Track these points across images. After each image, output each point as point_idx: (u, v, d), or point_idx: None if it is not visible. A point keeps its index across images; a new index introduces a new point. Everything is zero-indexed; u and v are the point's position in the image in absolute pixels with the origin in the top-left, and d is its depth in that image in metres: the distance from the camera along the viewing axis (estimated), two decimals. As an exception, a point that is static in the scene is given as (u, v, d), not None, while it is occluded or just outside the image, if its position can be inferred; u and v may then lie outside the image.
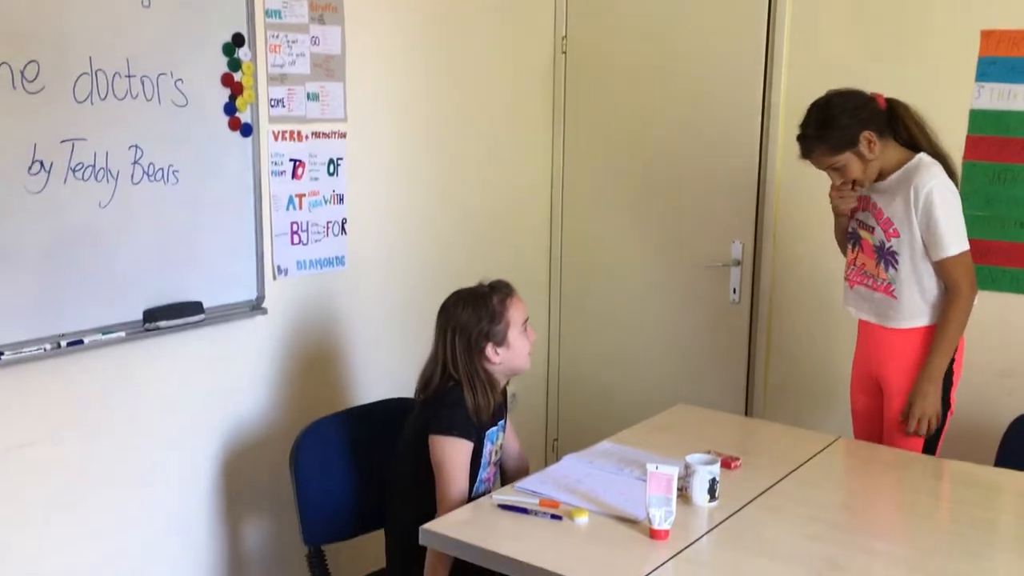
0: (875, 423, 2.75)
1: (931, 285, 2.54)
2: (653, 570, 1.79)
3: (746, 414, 3.62)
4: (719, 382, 3.67)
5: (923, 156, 2.53)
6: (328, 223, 3.05)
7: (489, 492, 2.32)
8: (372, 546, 2.59)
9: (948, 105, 3.06)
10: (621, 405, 3.91)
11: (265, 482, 2.94)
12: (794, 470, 2.33)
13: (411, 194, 3.35)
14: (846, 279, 2.77)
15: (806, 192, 3.39)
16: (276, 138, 2.86)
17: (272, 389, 2.95)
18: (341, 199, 3.08)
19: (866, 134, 2.48)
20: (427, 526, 1.99)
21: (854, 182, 2.55)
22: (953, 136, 3.06)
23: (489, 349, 2.29)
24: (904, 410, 2.55)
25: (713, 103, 3.56)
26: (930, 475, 2.38)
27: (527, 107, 3.86)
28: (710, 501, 2.10)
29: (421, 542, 1.99)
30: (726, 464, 2.31)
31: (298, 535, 2.45)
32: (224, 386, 2.80)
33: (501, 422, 2.41)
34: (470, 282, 2.42)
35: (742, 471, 2.29)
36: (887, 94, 2.59)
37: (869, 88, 2.59)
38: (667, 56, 3.65)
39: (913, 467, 2.43)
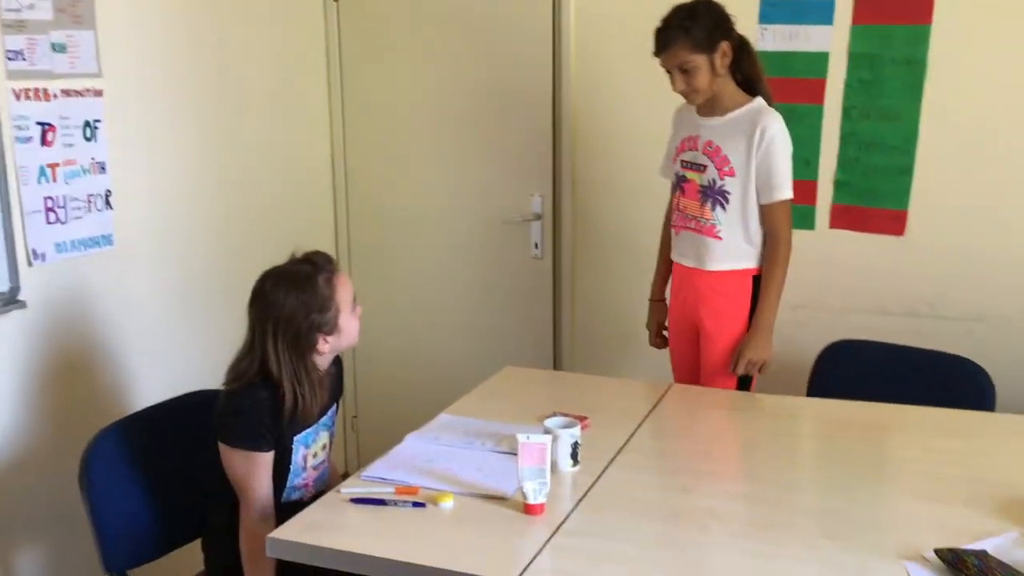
0: (695, 366, 2.76)
1: (755, 229, 2.56)
2: (539, 550, 1.65)
3: (555, 368, 3.57)
4: (527, 339, 3.59)
5: (762, 100, 2.53)
6: (89, 197, 2.61)
7: (304, 500, 2.08)
8: (185, 560, 2.26)
9: (735, 48, 3.12)
10: (425, 372, 3.74)
11: (39, 507, 2.50)
12: (641, 423, 2.27)
13: (182, 159, 2.96)
14: (672, 226, 2.74)
15: (602, 142, 3.36)
16: (18, 97, 2.39)
17: (36, 396, 2.51)
18: (103, 168, 2.65)
19: (724, 45, 2.46)
20: (274, 535, 1.72)
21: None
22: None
23: (320, 342, 2.01)
24: (733, 358, 2.56)
25: (504, 53, 3.42)
26: (765, 413, 2.41)
27: (301, 59, 3.54)
28: (573, 466, 1.99)
29: (269, 554, 1.72)
30: (575, 424, 2.21)
31: (90, 563, 2.08)
32: (-23, 398, 2.34)
33: (325, 418, 2.14)
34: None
35: (592, 430, 2.20)
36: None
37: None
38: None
39: (746, 406, 2.45)
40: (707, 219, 2.58)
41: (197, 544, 2.20)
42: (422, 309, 3.73)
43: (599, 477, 1.95)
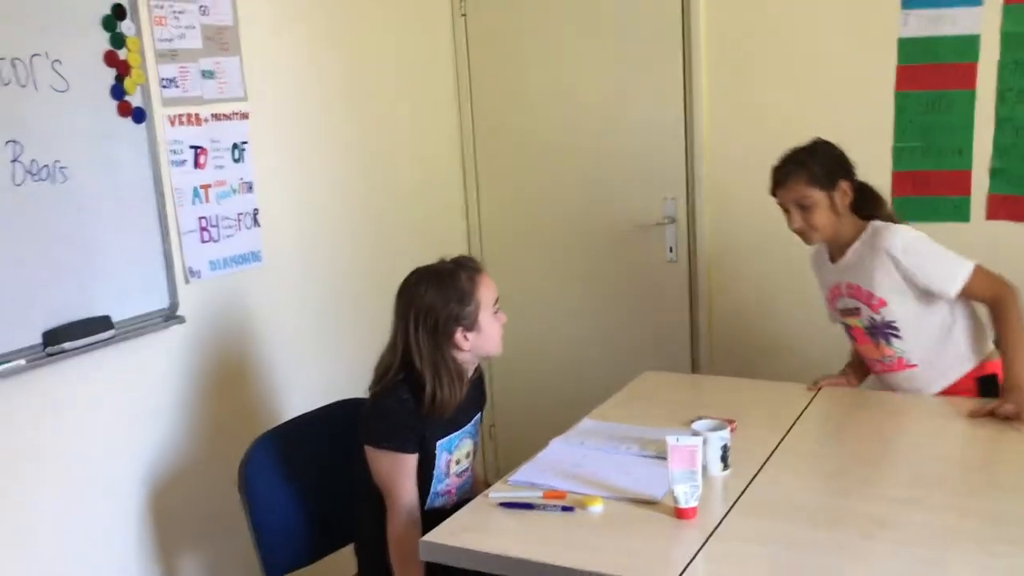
0: None
1: (945, 329, 2.36)
2: (693, 556, 1.61)
3: (693, 373, 3.50)
4: (663, 345, 3.53)
5: (875, 221, 2.38)
6: (239, 215, 2.73)
7: (447, 507, 2.09)
8: (337, 565, 2.32)
9: (875, 35, 3.00)
10: (561, 379, 3.73)
11: (200, 513, 2.61)
12: (792, 426, 2.20)
13: (323, 176, 3.05)
14: (872, 372, 2.59)
15: (737, 141, 3.28)
16: (172, 123, 2.52)
17: (196, 406, 2.62)
18: (250, 187, 2.76)
19: (844, 184, 2.35)
20: (427, 538, 1.74)
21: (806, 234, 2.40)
22: (883, 67, 3.01)
23: (459, 335, 2.04)
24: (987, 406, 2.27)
25: (632, 51, 3.39)
26: (925, 414, 2.28)
27: (431, 72, 3.60)
28: (724, 470, 1.93)
29: (422, 557, 1.74)
30: (723, 427, 2.15)
31: (249, 567, 2.15)
32: (143, 408, 2.47)
33: (468, 426, 2.16)
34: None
35: (740, 433, 2.13)
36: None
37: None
38: (582, 8, 3.46)
39: (904, 409, 2.33)
40: (890, 356, 2.42)
41: (349, 549, 2.25)
42: (555, 316, 3.72)
43: (751, 481, 1.89)
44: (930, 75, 2.95)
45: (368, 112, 3.23)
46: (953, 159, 2.97)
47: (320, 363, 3.03)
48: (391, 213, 3.35)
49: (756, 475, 1.92)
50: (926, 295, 2.32)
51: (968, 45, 2.89)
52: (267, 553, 2.13)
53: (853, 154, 3.07)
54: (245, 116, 2.73)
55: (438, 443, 2.07)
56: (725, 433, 1.92)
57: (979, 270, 2.28)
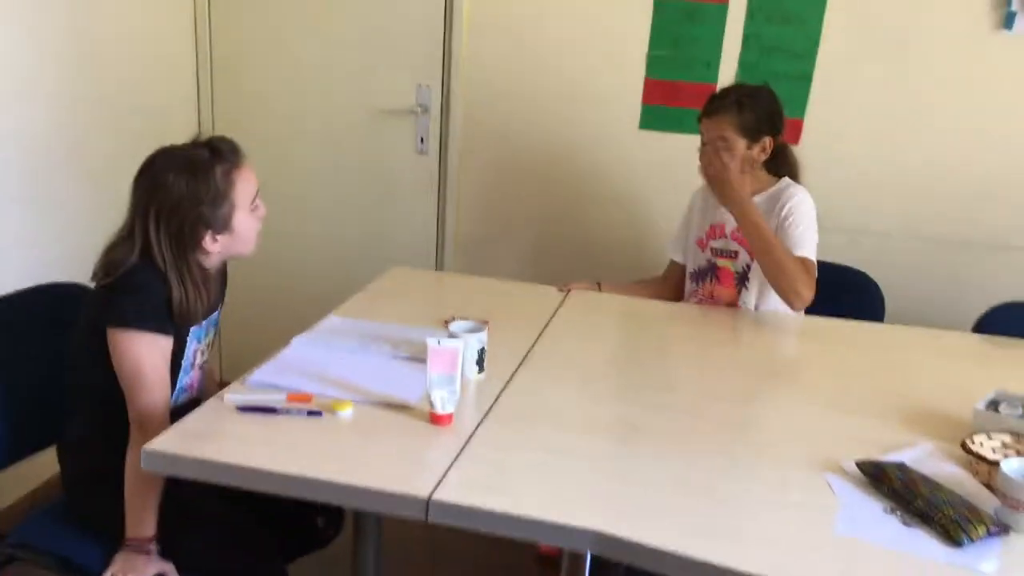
0: None
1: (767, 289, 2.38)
2: (451, 463, 1.52)
3: (436, 269, 3.42)
4: (408, 239, 3.40)
5: (788, 180, 2.41)
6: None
7: (196, 401, 1.88)
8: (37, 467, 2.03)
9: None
10: (300, 275, 3.52)
11: None
12: (544, 328, 2.17)
13: (25, 18, 2.57)
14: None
15: (495, 31, 3.16)
16: None
17: None
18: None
19: (768, 139, 2.33)
20: (150, 446, 1.52)
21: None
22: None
23: (207, 239, 1.79)
24: None
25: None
26: (668, 319, 2.35)
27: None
28: (479, 373, 1.86)
29: (145, 467, 1.53)
30: (476, 328, 2.08)
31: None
32: None
33: (214, 314, 1.94)
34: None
35: (492, 335, 2.07)
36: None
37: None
38: None
39: (650, 313, 2.39)
40: (739, 303, 2.45)
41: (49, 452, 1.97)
42: (295, 206, 3.48)
43: (506, 385, 1.84)
44: (687, -15, 2.97)
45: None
46: (702, 71, 3.03)
47: (21, 236, 2.61)
48: (109, 73, 2.92)
49: (511, 379, 1.87)
50: None
51: (725, -42, 2.93)
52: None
53: (610, 57, 3.08)
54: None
55: (192, 328, 1.84)
56: (483, 335, 1.85)
57: (810, 265, 2.29)
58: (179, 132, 3.25)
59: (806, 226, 2.33)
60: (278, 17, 3.30)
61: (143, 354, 1.73)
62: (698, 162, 2.38)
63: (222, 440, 1.55)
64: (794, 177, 2.44)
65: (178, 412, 1.75)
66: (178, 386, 1.87)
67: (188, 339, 1.84)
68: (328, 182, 3.42)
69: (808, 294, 2.25)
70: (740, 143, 2.33)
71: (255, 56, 3.35)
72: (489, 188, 3.31)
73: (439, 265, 3.41)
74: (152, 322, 1.74)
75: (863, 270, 2.68)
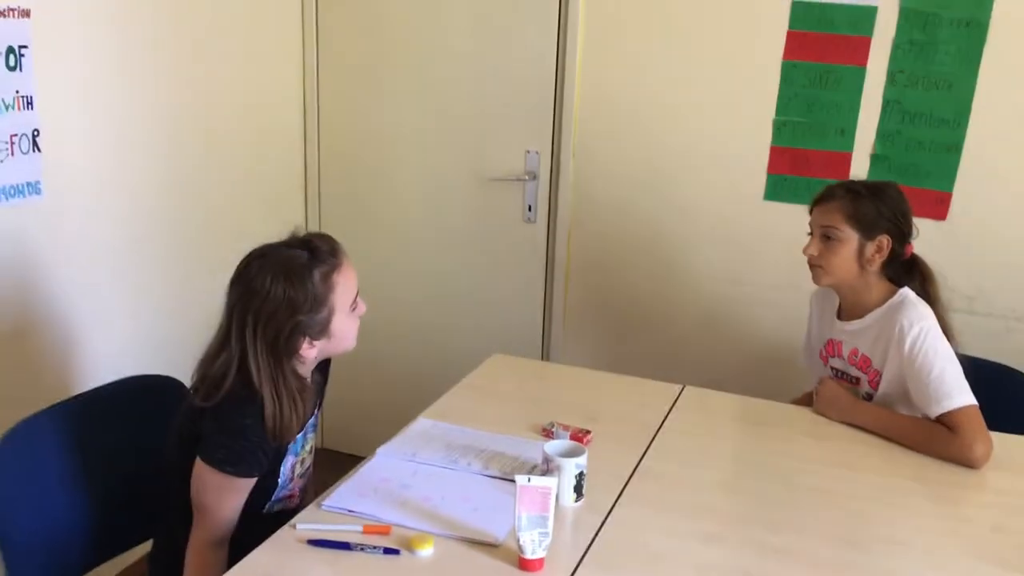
0: None
1: None
2: (538, 625, 1.33)
3: (543, 347, 3.25)
4: (514, 313, 3.24)
5: (908, 292, 2.05)
6: (13, 137, 2.21)
7: (288, 510, 1.75)
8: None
9: (768, -4, 2.75)
10: (399, 350, 3.39)
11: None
12: (653, 439, 1.96)
13: (127, 94, 2.55)
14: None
15: (608, 97, 2.98)
16: (-79, 16, 1.98)
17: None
18: (30, 103, 2.25)
19: (887, 238, 2.03)
20: (209, 591, 1.39)
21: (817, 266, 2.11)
22: (773, 31, 2.76)
23: (304, 346, 1.66)
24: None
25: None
26: (800, 431, 2.06)
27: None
28: (576, 500, 1.67)
29: (202, 614, 1.40)
30: (577, 439, 1.89)
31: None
32: None
33: (311, 422, 1.81)
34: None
35: (595, 447, 1.88)
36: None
37: None
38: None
39: (780, 420, 2.12)
40: None
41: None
42: (396, 280, 3.36)
43: (606, 518, 1.64)
44: (821, 45, 2.72)
45: (194, 23, 2.72)
46: (835, 139, 2.78)
47: (114, 326, 2.57)
48: (212, 152, 2.88)
49: (612, 508, 1.67)
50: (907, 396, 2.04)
51: (864, 17, 2.67)
52: (15, 566, 1.72)
53: (731, 122, 2.85)
54: (26, 14, 2.20)
55: (287, 445, 1.72)
56: (582, 460, 1.65)
57: (971, 414, 1.91)
58: (284, 192, 3.22)
59: (943, 363, 1.94)
60: (385, 81, 3.21)
61: (223, 497, 1.64)
62: (803, 254, 2.12)
63: (287, 584, 1.41)
64: (927, 296, 2.08)
65: (274, 519, 1.63)
66: (272, 497, 1.75)
67: (286, 456, 1.73)
68: (436, 247, 3.30)
69: (981, 449, 1.87)
70: (849, 234, 2.04)
71: (361, 121, 3.27)
72: (599, 259, 3.12)
73: (545, 336, 3.23)
74: (243, 466, 1.63)
75: (1020, 362, 2.36)
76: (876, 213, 2.03)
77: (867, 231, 2.03)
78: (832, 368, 2.22)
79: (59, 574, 1.81)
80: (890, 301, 2.06)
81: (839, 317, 2.18)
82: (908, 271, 2.10)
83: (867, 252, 2.04)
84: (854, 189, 2.06)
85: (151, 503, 1.86)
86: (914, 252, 2.11)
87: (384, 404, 3.37)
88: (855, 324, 2.12)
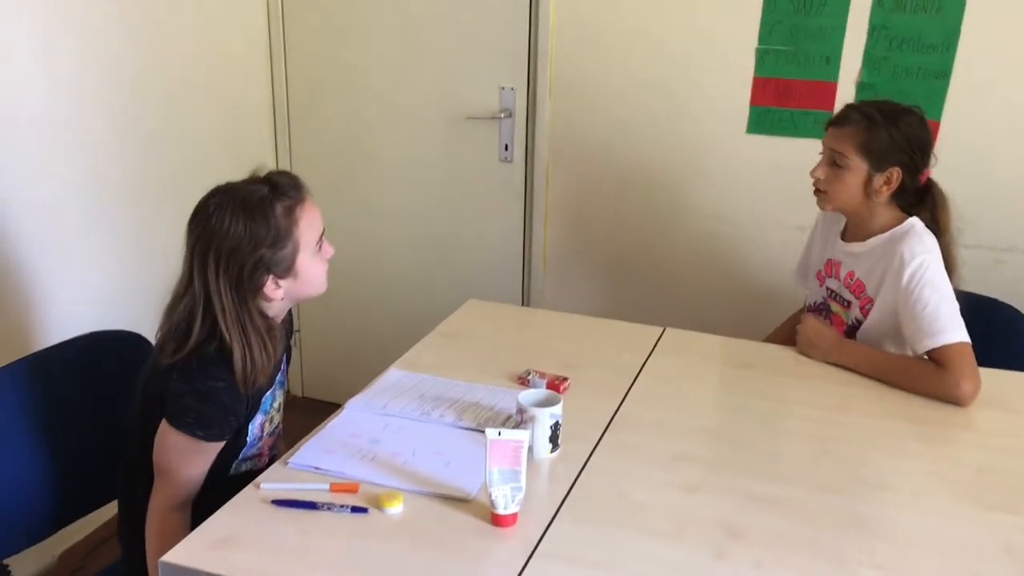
0: None
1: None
2: (513, 580, 1.28)
3: (523, 292, 3.18)
4: (494, 257, 3.16)
5: (916, 222, 1.98)
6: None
7: (256, 469, 1.69)
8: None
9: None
10: (373, 295, 3.32)
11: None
12: (631, 385, 1.90)
13: (90, 43, 2.42)
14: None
15: (585, 29, 2.86)
16: None
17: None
18: (-29, 47, 2.12)
19: (897, 170, 1.94)
20: (167, 558, 1.33)
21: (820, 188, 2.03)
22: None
23: (269, 284, 1.58)
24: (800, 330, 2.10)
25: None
26: (782, 372, 2.01)
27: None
28: (552, 451, 1.61)
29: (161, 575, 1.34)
30: (554, 387, 1.83)
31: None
32: None
33: (280, 378, 1.74)
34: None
35: (572, 395, 1.82)
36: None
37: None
38: None
39: (762, 361, 2.06)
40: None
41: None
42: (368, 221, 3.28)
43: (583, 468, 1.58)
44: (804, -31, 2.61)
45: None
46: (820, 68, 2.68)
47: (80, 281, 2.49)
48: (177, 94, 2.76)
49: (588, 458, 1.61)
50: (896, 330, 1.99)
51: (849, -62, 2.56)
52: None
53: (713, 54, 2.75)
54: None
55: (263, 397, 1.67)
56: (557, 410, 1.59)
57: (963, 351, 1.86)
58: (253, 135, 3.12)
59: (938, 300, 1.89)
60: (353, 16, 3.08)
61: (190, 460, 1.58)
62: (810, 176, 2.05)
63: (250, 548, 1.35)
64: (936, 225, 2.01)
65: (241, 479, 1.57)
66: (240, 455, 1.69)
67: (255, 415, 1.67)
68: (409, 189, 3.20)
69: (970, 387, 1.82)
70: (858, 164, 1.96)
71: (330, 59, 3.15)
72: (579, 198, 3.03)
73: (525, 280, 3.16)
74: (214, 430, 1.57)
75: (1008, 294, 2.30)
76: (889, 143, 1.94)
77: (877, 162, 1.95)
78: (827, 288, 2.16)
79: (24, 533, 1.76)
80: (895, 229, 1.99)
81: (843, 237, 2.12)
82: (921, 198, 2.02)
83: (875, 183, 1.97)
84: (870, 115, 1.96)
85: (113, 463, 1.81)
86: (930, 178, 2.03)
87: (362, 350, 3.32)
88: (856, 247, 2.06)
